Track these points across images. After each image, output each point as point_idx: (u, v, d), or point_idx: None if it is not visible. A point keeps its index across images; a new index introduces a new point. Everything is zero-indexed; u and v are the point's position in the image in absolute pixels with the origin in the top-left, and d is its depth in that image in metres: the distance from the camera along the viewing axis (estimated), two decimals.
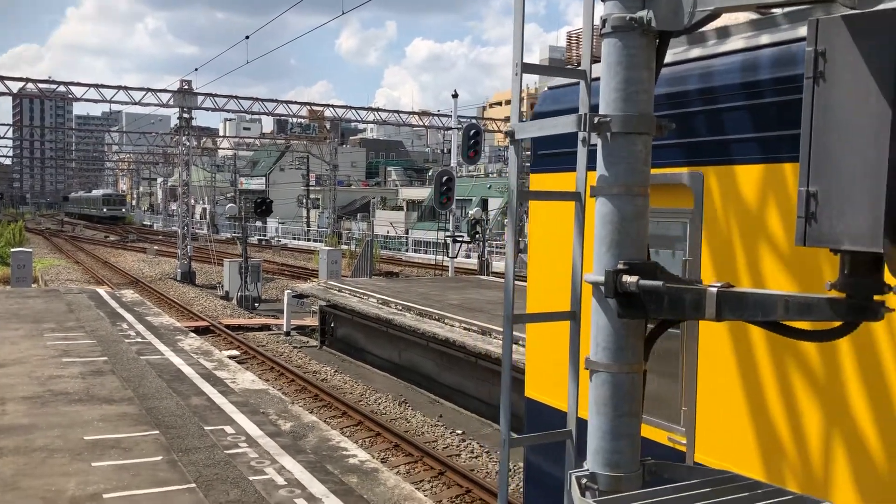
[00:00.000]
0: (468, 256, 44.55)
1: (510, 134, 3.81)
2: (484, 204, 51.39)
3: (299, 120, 64.07)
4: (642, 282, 3.19)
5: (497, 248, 45.45)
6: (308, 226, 76.70)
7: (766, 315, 2.95)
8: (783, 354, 4.41)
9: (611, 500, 2.97)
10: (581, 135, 3.58)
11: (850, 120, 2.69)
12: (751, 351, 4.61)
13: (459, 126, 41.60)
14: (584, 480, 3.30)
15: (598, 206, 3.39)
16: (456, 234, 38.88)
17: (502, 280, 26.75)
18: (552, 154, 6.09)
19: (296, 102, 48.20)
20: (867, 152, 2.64)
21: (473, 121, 50.53)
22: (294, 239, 71.56)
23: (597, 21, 3.51)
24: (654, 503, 2.91)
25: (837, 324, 2.89)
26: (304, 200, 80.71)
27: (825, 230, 2.74)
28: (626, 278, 3.22)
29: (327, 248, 40.98)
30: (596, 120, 3.32)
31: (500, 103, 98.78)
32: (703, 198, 4.83)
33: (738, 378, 4.69)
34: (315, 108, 52.56)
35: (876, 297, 2.78)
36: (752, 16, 5.25)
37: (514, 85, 3.73)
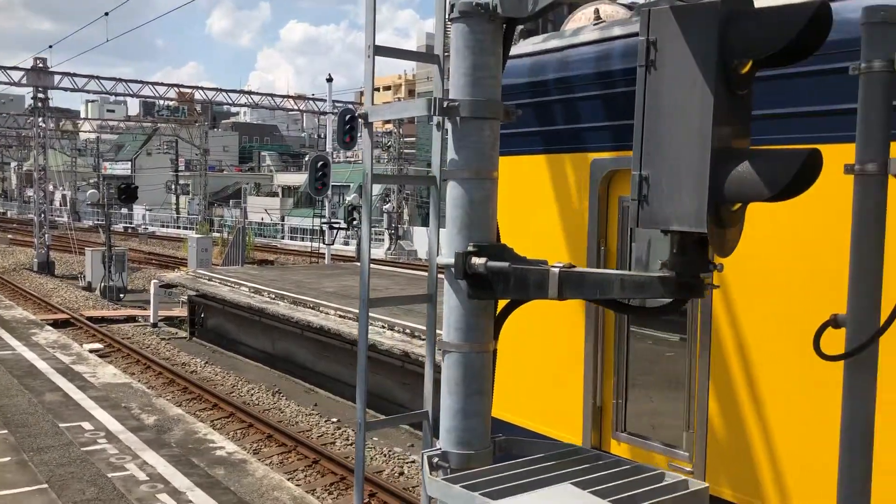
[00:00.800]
0: (346, 243, 44.22)
1: (363, 117, 3.80)
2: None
3: (167, 102, 61.48)
4: (490, 263, 3.26)
5: (375, 234, 45.33)
6: (177, 213, 73.90)
7: (604, 293, 3.08)
8: (814, 366, 3.60)
9: (458, 476, 3.03)
10: (435, 119, 3.60)
11: (678, 107, 2.83)
12: (774, 363, 4.02)
13: (335, 111, 41.10)
14: (435, 459, 3.34)
15: (449, 190, 3.43)
16: (332, 220, 38.47)
17: (379, 267, 26.70)
18: (517, 135, 5.41)
19: (163, 84, 46.15)
20: (693, 138, 2.79)
21: (350, 106, 50.06)
22: (163, 227, 68.77)
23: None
24: (499, 477, 2.99)
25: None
26: (173, 186, 77.69)
27: (656, 212, 2.88)
28: (475, 260, 3.28)
29: (197, 235, 39.62)
30: (445, 104, 3.35)
31: (378, 89, 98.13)
32: None
33: (759, 394, 4.05)
34: (184, 90, 50.51)
35: (702, 276, 2.95)
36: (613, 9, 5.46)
37: (367, 67, 3.71)
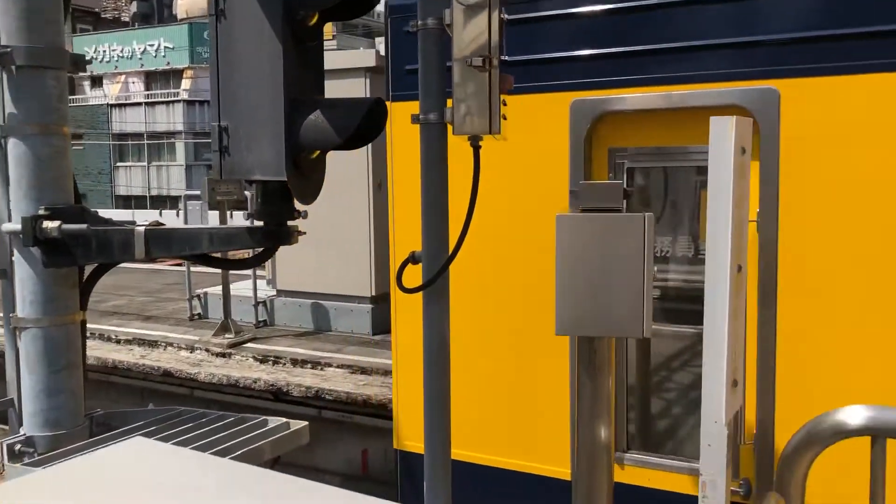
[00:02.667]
0: None
1: None
2: None
3: None
4: (65, 226, 3.00)
5: None
6: None
7: (193, 249, 3.01)
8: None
9: (44, 458, 2.79)
10: None
11: (250, 57, 2.84)
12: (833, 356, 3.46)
13: None
14: (18, 447, 3.03)
15: (11, 148, 3.07)
16: None
17: None
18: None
19: None
20: (266, 88, 2.83)
21: None
22: None
23: None
24: (89, 452, 2.80)
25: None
26: None
27: (238, 163, 2.88)
28: (47, 224, 2.99)
29: None
30: None
31: None
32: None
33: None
34: None
35: (289, 223, 3.03)
36: None
37: None
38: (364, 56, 9.39)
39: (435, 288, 3.29)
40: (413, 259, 3.29)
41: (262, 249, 3.07)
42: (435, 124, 3.20)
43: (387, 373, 7.62)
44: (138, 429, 3.07)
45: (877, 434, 2.17)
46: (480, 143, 3.19)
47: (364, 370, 7.80)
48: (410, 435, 4.67)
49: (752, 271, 3.47)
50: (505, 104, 3.14)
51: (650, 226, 2.66)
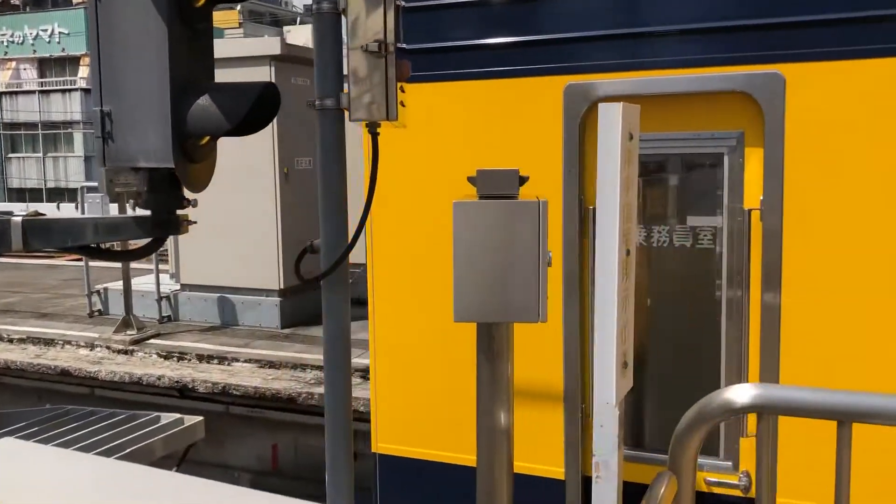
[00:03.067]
0: None
1: None
2: None
3: None
4: None
5: None
6: None
7: (76, 240, 2.88)
8: None
9: None
10: None
11: (134, 39, 2.72)
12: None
13: None
14: None
15: None
16: None
17: None
18: (450, 51, 4.03)
19: None
20: (151, 72, 2.72)
21: None
22: None
23: None
24: None
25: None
26: None
27: (122, 149, 2.77)
28: None
29: None
30: None
31: None
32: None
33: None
34: None
35: (178, 212, 2.93)
36: None
37: None
38: (269, 44, 9.21)
39: (334, 278, 3.24)
40: (311, 248, 3.23)
41: (150, 240, 2.95)
42: (331, 110, 3.15)
43: (295, 366, 7.52)
44: (22, 429, 2.92)
45: (762, 411, 2.24)
46: (378, 129, 3.16)
47: (273, 364, 7.68)
48: (389, 437, 4.39)
49: (756, 261, 3.47)
50: (403, 91, 3.11)
51: (544, 211, 2.69)
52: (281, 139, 8.64)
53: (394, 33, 2.92)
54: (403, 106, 3.07)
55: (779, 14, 3.37)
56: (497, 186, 2.82)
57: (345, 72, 3.14)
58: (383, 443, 4.43)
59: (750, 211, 3.50)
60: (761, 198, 3.46)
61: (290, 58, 8.85)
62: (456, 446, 4.06)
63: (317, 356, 7.32)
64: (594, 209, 3.05)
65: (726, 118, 3.53)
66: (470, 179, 2.75)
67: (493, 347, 2.83)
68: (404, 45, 3.81)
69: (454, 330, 4.00)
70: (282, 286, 8.83)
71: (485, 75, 3.92)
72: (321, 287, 3.24)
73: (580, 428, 3.89)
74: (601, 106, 2.28)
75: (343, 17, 3.06)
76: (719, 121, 3.56)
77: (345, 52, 3.07)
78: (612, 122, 2.31)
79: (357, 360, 7.48)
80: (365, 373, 7.20)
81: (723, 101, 3.51)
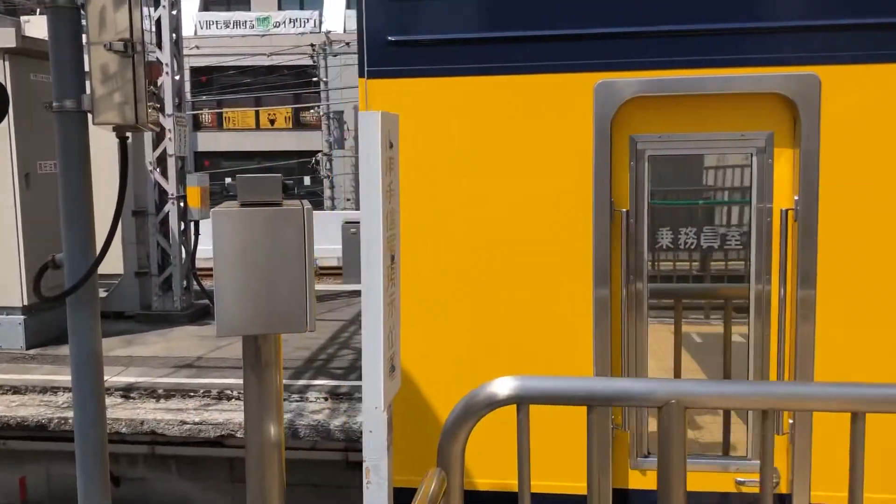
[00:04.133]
0: None
1: None
2: None
3: None
4: None
5: None
6: None
7: None
8: None
9: None
10: None
11: None
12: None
13: None
14: None
15: None
16: None
17: None
18: (467, 43, 3.66)
19: None
20: None
21: None
22: None
23: None
24: None
25: None
26: None
27: None
28: None
29: None
30: None
31: None
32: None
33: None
34: None
35: None
36: None
37: None
38: (3, 35, 8.30)
39: (82, 294, 2.97)
40: (54, 263, 2.94)
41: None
42: (72, 112, 2.88)
43: (45, 390, 6.88)
44: None
45: (521, 402, 2.36)
46: (127, 134, 2.94)
47: (17, 389, 6.97)
48: (402, 469, 3.99)
49: (791, 259, 3.52)
50: (154, 93, 2.93)
51: (309, 218, 2.65)
52: (20, 140, 7.82)
53: (141, 31, 2.74)
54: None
55: (815, 17, 3.46)
56: (259, 193, 2.75)
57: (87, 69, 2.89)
58: (397, 474, 4.14)
59: (787, 211, 3.54)
60: (796, 197, 3.52)
61: (28, 51, 8.04)
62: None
63: (69, 377, 6.71)
64: (626, 212, 3.44)
65: (756, 119, 3.55)
66: (228, 186, 2.65)
67: (260, 360, 2.76)
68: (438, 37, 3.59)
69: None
70: (25, 302, 7.99)
71: (509, 70, 3.71)
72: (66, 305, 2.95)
73: (610, 438, 3.71)
74: (360, 114, 2.29)
75: (83, 11, 2.82)
76: (748, 122, 3.56)
77: (86, 49, 2.82)
78: (371, 131, 2.33)
79: (116, 379, 6.95)
80: (126, 391, 6.73)
81: (752, 102, 3.53)
